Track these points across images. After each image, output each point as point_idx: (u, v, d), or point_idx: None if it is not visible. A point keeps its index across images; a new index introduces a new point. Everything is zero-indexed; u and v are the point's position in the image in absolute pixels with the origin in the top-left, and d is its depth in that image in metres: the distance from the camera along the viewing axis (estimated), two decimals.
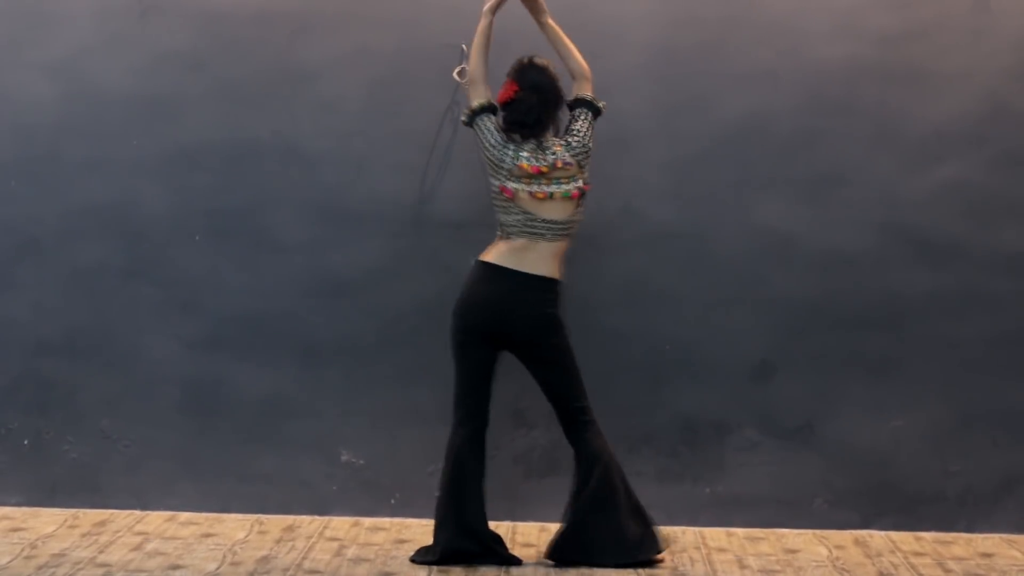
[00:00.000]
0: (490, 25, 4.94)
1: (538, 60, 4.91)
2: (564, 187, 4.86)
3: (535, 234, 4.85)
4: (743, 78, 5.41)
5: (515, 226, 4.87)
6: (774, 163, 5.43)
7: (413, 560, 4.89)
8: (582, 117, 4.94)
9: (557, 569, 4.84)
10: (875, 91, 5.40)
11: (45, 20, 5.52)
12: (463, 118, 4.98)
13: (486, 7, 4.94)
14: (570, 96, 4.98)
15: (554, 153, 4.86)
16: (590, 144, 4.92)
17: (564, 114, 4.97)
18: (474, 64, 4.94)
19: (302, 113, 5.49)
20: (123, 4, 5.50)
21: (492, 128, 4.90)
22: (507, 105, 4.89)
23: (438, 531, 4.89)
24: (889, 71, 5.39)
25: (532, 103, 4.85)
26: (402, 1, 5.45)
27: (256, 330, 5.50)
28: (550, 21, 5.00)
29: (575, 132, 4.91)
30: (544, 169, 4.83)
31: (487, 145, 4.89)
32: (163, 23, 5.49)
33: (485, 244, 5.32)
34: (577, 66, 4.98)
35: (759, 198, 5.43)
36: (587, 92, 4.97)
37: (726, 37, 5.42)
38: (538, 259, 4.86)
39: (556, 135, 4.93)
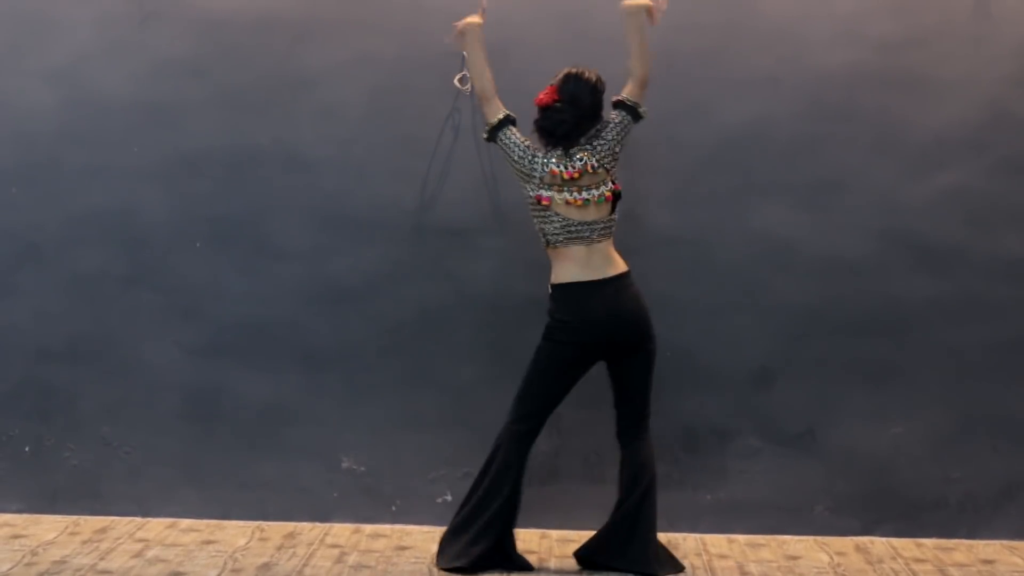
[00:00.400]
0: (475, 38, 4.90)
1: (586, 73, 4.83)
2: (595, 192, 4.81)
3: (581, 237, 4.80)
4: (744, 84, 5.41)
5: (559, 233, 4.81)
6: (775, 169, 5.43)
7: (443, 567, 4.82)
8: (614, 122, 4.84)
9: (562, 573, 4.87)
10: (876, 97, 5.39)
11: (46, 27, 5.52)
12: (484, 135, 4.94)
13: (469, 29, 4.92)
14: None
15: (580, 159, 4.80)
16: (616, 149, 4.85)
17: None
18: (479, 82, 4.91)
19: (303, 120, 5.49)
20: (124, 11, 5.50)
21: (516, 139, 4.86)
22: (542, 109, 4.84)
23: (461, 533, 4.83)
24: (890, 77, 5.39)
25: (564, 116, 4.79)
26: (403, 8, 5.46)
27: (257, 337, 5.50)
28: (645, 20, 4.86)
29: (603, 137, 4.84)
30: (575, 175, 4.79)
31: (514, 158, 4.85)
32: (164, 30, 5.50)
33: (486, 250, 5.33)
34: (635, 66, 4.84)
35: (760, 204, 5.43)
36: (632, 95, 4.86)
37: (727, 43, 5.42)
38: (603, 261, 4.81)
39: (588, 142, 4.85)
